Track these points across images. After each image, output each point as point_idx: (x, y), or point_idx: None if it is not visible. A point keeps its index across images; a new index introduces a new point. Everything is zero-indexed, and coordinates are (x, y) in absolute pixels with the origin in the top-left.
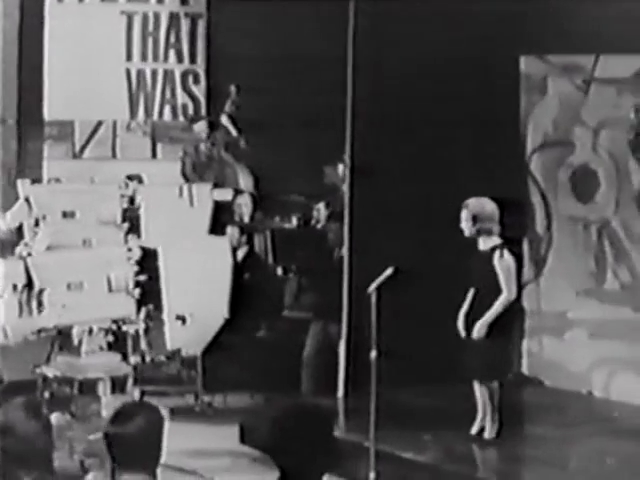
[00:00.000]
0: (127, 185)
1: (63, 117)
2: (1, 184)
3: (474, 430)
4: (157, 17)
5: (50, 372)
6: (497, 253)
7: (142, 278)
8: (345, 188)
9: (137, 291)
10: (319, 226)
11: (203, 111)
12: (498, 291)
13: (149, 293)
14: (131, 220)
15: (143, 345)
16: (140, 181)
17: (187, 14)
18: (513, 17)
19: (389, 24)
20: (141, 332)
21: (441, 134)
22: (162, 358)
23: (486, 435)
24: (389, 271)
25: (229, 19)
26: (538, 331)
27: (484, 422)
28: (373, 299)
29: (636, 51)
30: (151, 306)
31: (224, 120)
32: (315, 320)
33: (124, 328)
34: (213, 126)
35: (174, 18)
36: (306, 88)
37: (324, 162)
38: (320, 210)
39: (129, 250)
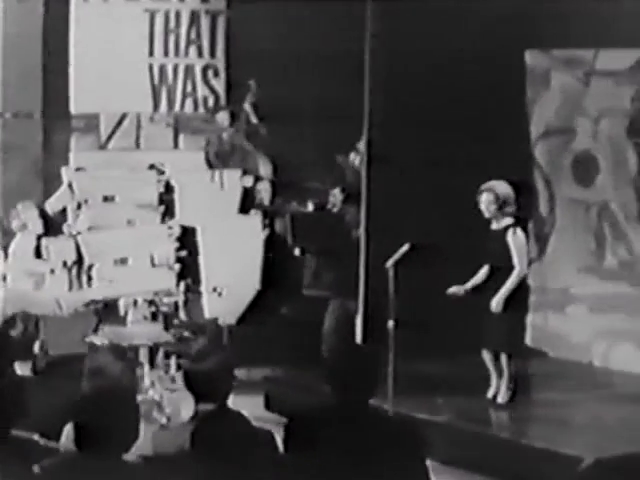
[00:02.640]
0: (162, 172)
1: (89, 110)
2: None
3: (490, 394)
4: (178, 14)
5: (98, 340)
6: (511, 231)
7: (182, 254)
8: (362, 172)
9: (177, 266)
10: (335, 210)
11: (223, 103)
12: (509, 267)
13: (188, 268)
14: (167, 203)
15: (182, 316)
16: (162, 171)
17: (207, 11)
18: (519, 15)
19: (402, 20)
20: (180, 303)
21: (452, 123)
22: (187, 334)
23: (499, 400)
24: (406, 247)
25: (247, 16)
26: (542, 306)
27: (498, 388)
28: (391, 273)
29: (633, 45)
30: (189, 280)
31: (246, 110)
32: (334, 298)
33: (165, 300)
34: (234, 117)
35: (195, 15)
36: (321, 81)
37: (337, 151)
38: (336, 195)
39: (170, 228)
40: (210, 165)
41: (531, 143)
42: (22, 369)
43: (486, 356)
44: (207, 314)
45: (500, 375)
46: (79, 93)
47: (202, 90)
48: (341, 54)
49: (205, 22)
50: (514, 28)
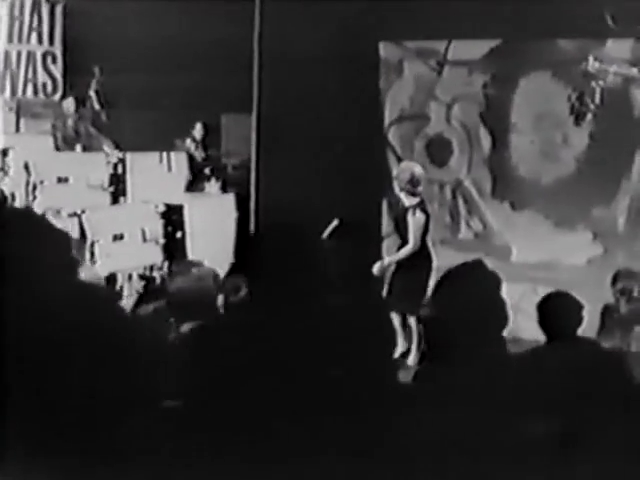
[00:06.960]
0: (108, 155)
1: None
2: None
3: (396, 355)
4: (22, 3)
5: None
6: (411, 211)
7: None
8: (252, 156)
9: (162, 241)
10: None
11: (60, 89)
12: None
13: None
14: (117, 184)
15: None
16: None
17: (47, 0)
18: (373, 8)
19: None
20: (165, 276)
21: (318, 110)
22: None
23: (409, 362)
24: (335, 222)
25: (84, 5)
26: None
27: (404, 348)
28: (326, 246)
29: (485, 37)
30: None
31: (91, 96)
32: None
33: (154, 274)
34: (79, 103)
35: (36, 3)
36: (162, 69)
37: (176, 136)
38: None
39: (156, 206)
40: (57, 148)
41: (384, 128)
42: None
43: (394, 317)
44: None
45: (408, 337)
46: None
47: (42, 76)
48: (180, 44)
49: (45, 10)
50: (369, 22)
